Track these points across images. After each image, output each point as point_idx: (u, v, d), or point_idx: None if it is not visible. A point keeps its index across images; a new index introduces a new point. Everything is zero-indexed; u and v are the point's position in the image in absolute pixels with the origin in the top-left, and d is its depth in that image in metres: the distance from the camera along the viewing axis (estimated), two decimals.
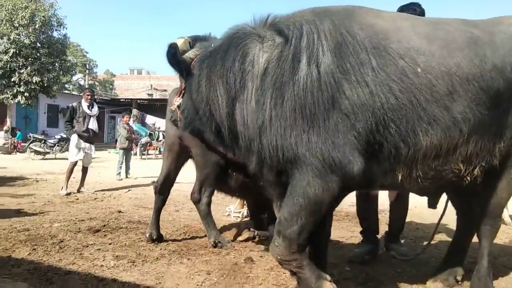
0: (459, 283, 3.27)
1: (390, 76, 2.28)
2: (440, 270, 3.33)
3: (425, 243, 4.40)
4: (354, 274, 3.48)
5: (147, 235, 4.39)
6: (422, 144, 2.36)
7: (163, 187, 4.48)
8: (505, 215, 5.95)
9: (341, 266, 3.70)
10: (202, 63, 2.69)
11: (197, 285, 3.23)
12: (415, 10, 3.73)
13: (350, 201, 7.56)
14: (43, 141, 17.10)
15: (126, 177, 10.70)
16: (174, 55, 2.71)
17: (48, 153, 16.89)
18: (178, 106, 3.04)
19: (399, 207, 4.12)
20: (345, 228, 5.41)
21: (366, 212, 4.11)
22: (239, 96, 2.48)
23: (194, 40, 3.05)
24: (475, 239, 3.14)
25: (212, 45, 2.82)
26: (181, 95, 3.00)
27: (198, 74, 2.69)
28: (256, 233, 4.57)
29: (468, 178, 2.61)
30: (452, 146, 2.42)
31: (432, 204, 3.83)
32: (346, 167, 2.29)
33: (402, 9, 3.78)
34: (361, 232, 4.19)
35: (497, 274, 3.47)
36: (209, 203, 4.50)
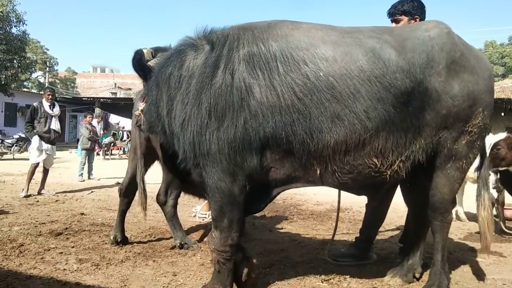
0: (418, 279, 3.43)
1: (295, 80, 2.57)
2: (399, 266, 3.47)
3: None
4: (318, 271, 3.57)
5: (111, 237, 4.32)
6: (328, 140, 2.59)
7: (128, 190, 4.41)
8: (460, 212, 6.26)
9: (305, 263, 3.80)
10: (155, 70, 3.00)
11: (163, 287, 3.23)
12: (403, 6, 3.71)
13: (315, 200, 7.78)
14: (0, 141, 16.42)
15: (89, 178, 10.44)
16: (139, 60, 3.00)
17: (6, 153, 16.25)
18: (142, 111, 3.20)
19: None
20: (309, 227, 5.53)
21: (371, 218, 4.04)
22: (176, 97, 2.78)
23: (156, 51, 3.27)
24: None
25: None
26: (145, 100, 3.15)
27: (152, 80, 2.99)
28: None
29: (389, 173, 2.77)
30: (359, 141, 2.62)
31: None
32: (248, 161, 2.63)
33: (391, 7, 3.78)
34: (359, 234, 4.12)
35: (452, 268, 3.66)
36: (175, 205, 4.50)
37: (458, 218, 6.19)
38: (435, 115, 2.73)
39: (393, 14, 3.79)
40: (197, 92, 2.67)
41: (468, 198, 6.54)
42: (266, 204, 3.09)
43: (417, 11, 3.75)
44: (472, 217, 6.35)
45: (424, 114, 2.71)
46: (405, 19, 3.74)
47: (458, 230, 5.50)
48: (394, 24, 3.78)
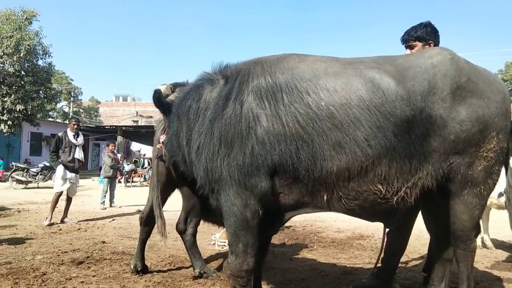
0: None
1: (298, 109, 2.68)
2: None
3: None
4: None
5: (132, 266, 4.35)
6: (331, 166, 2.65)
7: (149, 218, 4.43)
8: (486, 239, 6.07)
9: None
10: (175, 104, 3.24)
11: None
12: (416, 32, 3.72)
13: (336, 227, 7.67)
14: (25, 170, 16.84)
15: (111, 205, 10.59)
16: (158, 98, 3.27)
17: (31, 182, 16.62)
18: (163, 143, 3.38)
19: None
20: (330, 255, 5.43)
21: (392, 247, 3.94)
22: (194, 128, 2.99)
23: (175, 86, 3.58)
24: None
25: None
26: (165, 132, 3.42)
27: (173, 112, 3.21)
28: None
29: (395, 199, 2.74)
30: (362, 168, 2.65)
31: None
32: (257, 187, 2.72)
33: (405, 33, 3.79)
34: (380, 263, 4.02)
35: None
36: (194, 234, 4.50)
37: (484, 245, 5.99)
38: (442, 141, 2.72)
39: (407, 40, 3.80)
40: (210, 121, 2.85)
41: (494, 225, 6.37)
42: (278, 228, 3.10)
43: (431, 37, 3.74)
44: (499, 245, 6.15)
45: (429, 140, 2.71)
46: (419, 44, 3.73)
47: (485, 258, 5.32)
48: (408, 50, 3.79)
